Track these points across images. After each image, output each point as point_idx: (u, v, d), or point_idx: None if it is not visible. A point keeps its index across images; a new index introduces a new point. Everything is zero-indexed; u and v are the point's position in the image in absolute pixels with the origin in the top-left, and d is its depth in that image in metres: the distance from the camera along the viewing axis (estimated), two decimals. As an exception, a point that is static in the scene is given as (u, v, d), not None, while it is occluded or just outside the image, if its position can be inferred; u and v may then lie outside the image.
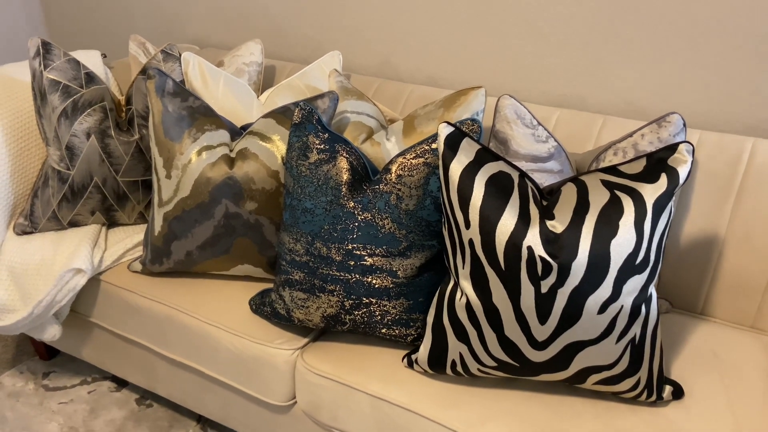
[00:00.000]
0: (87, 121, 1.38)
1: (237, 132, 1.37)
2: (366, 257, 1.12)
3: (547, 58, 1.55)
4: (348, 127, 1.43)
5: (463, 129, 1.16)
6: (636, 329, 0.99)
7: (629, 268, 0.96)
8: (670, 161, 0.99)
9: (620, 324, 0.97)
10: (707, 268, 1.32)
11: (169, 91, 1.31)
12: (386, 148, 1.38)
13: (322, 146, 1.19)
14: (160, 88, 1.31)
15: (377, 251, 1.12)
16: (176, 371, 1.42)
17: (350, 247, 1.12)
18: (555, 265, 0.94)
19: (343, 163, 1.17)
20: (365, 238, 1.11)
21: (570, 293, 0.95)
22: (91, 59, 1.70)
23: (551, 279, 0.95)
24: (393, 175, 1.14)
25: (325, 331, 1.26)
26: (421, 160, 1.15)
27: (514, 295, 0.97)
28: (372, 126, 1.45)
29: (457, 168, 1.03)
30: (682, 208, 1.33)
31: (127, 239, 1.48)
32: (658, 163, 1.00)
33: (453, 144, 1.04)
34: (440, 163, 1.05)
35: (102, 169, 1.41)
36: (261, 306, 1.27)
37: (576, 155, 1.35)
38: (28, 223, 1.46)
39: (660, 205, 0.97)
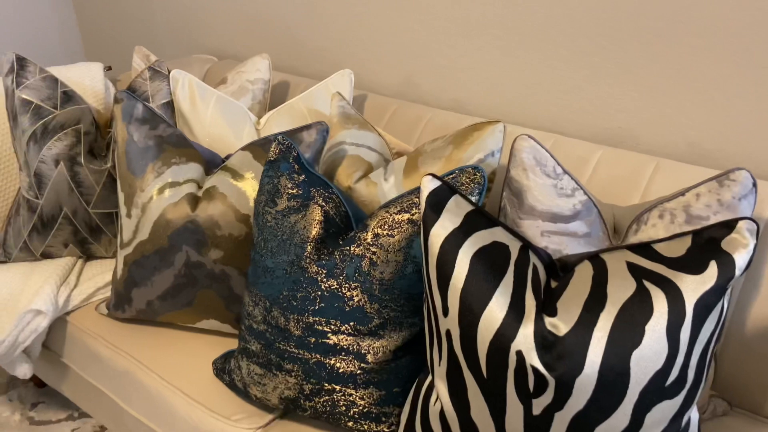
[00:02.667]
0: (56, 146, 1.25)
1: (217, 164, 1.20)
2: (329, 334, 0.91)
3: (594, 85, 1.29)
4: (343, 161, 1.23)
5: (463, 179, 0.93)
6: (664, 472, 0.73)
7: (656, 390, 0.70)
8: (725, 243, 0.73)
9: (641, 465, 0.72)
10: (782, 363, 1.02)
11: (137, 117, 1.16)
12: (383, 189, 1.17)
13: (294, 191, 1.00)
14: (128, 113, 1.16)
15: (343, 328, 0.91)
16: (142, 427, 1.27)
17: (311, 321, 0.92)
18: (552, 380, 0.70)
19: (315, 214, 0.97)
20: (329, 311, 0.91)
21: (571, 419, 0.71)
22: (91, 73, 1.59)
23: (546, 398, 0.71)
24: (369, 233, 0.93)
25: (288, 411, 1.07)
26: (406, 216, 0.93)
27: (498, 412, 0.74)
28: (372, 161, 1.24)
29: (439, 235, 0.80)
30: (750, 283, 1.04)
31: (99, 276, 1.34)
32: (707, 244, 0.74)
33: (437, 203, 0.82)
34: (421, 226, 0.83)
35: (72, 200, 1.27)
36: (221, 372, 1.09)
37: (616, 208, 1.09)
38: (2, 252, 1.35)
39: (705, 305, 0.71)
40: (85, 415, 1.62)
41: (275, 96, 1.70)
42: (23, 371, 1.38)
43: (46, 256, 1.35)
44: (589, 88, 1.30)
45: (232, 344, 1.21)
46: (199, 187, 1.13)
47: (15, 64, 1.26)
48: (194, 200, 1.10)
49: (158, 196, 1.10)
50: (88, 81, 1.56)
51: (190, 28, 2.03)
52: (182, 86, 1.37)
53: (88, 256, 1.39)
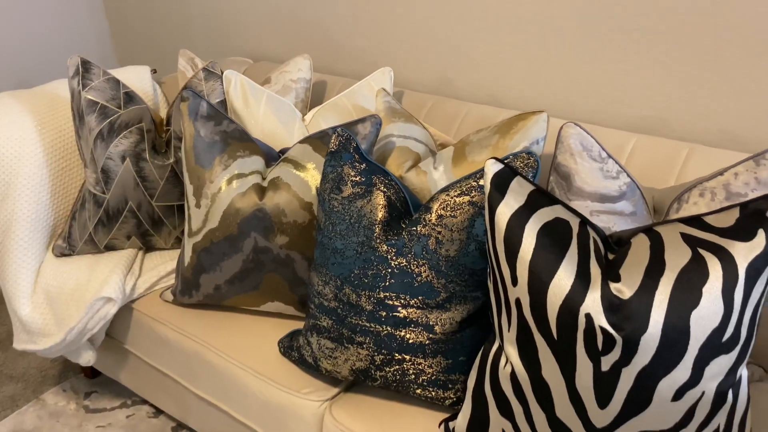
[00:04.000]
0: (122, 143, 1.33)
1: (274, 157, 1.28)
2: (399, 308, 0.99)
3: (625, 76, 1.37)
4: (393, 152, 1.31)
5: (517, 164, 1.01)
6: (720, 419, 0.81)
7: (714, 346, 0.78)
8: (772, 214, 0.80)
9: (700, 414, 0.79)
10: (814, 331, 1.10)
11: (202, 114, 1.23)
12: (433, 177, 1.24)
13: (357, 178, 1.07)
14: (194, 111, 1.23)
15: (412, 302, 0.98)
16: (207, 408, 1.35)
17: (382, 296, 0.99)
18: (619, 339, 0.78)
19: (379, 199, 1.05)
20: (399, 287, 0.99)
21: (637, 374, 0.78)
22: (140, 75, 1.67)
23: (614, 355, 0.79)
24: (433, 215, 1.00)
25: (357, 382, 1.14)
26: (466, 198, 1.01)
27: (569, 370, 0.82)
28: (420, 152, 1.32)
29: (504, 213, 0.88)
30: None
31: (161, 266, 1.42)
32: (754, 215, 0.82)
33: (501, 184, 0.90)
34: (486, 205, 0.91)
35: (137, 194, 1.35)
36: (289, 350, 1.16)
37: (654, 191, 1.17)
38: (66, 245, 1.43)
39: (755, 268, 0.79)
40: (138, 402, 1.69)
41: (314, 94, 1.77)
42: (87, 358, 1.45)
43: (109, 248, 1.42)
44: (622, 79, 1.37)
45: (293, 325, 1.28)
46: (263, 177, 1.21)
47: (80, 66, 1.34)
48: (260, 190, 1.18)
49: (227, 186, 1.17)
50: (137, 83, 1.64)
51: (224, 31, 2.11)
52: (234, 86, 1.45)
53: (148, 247, 1.46)
